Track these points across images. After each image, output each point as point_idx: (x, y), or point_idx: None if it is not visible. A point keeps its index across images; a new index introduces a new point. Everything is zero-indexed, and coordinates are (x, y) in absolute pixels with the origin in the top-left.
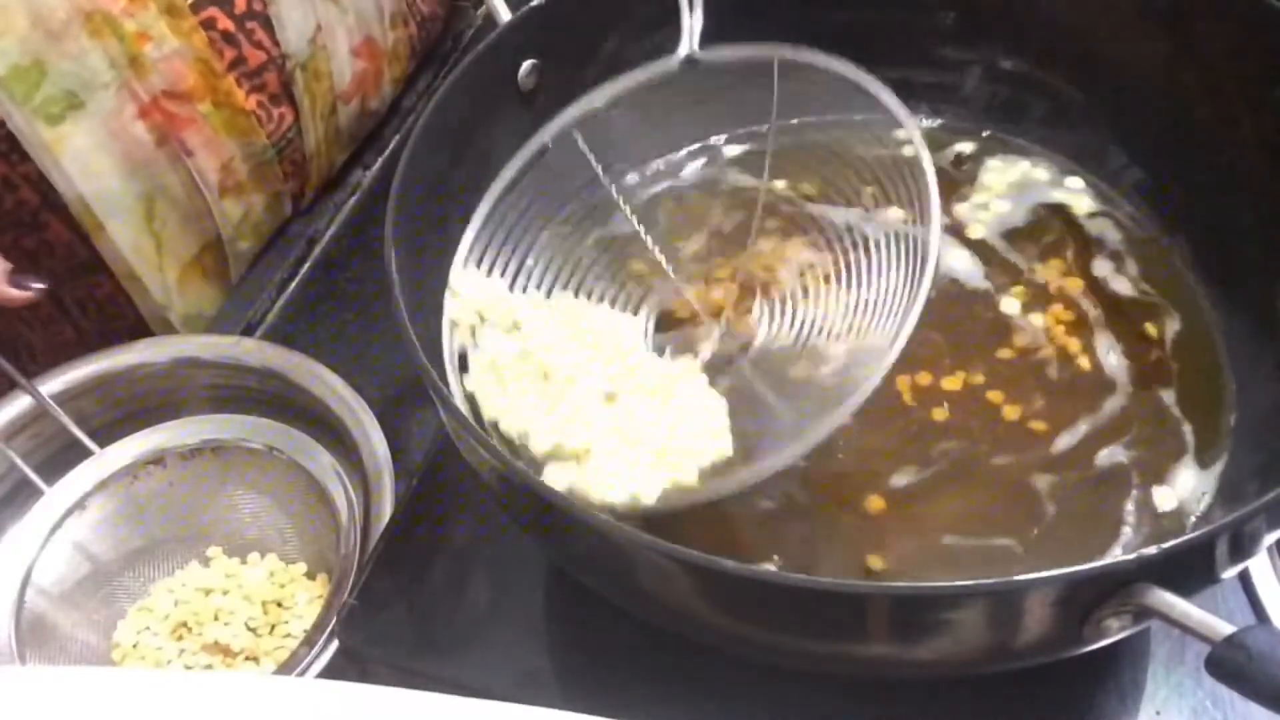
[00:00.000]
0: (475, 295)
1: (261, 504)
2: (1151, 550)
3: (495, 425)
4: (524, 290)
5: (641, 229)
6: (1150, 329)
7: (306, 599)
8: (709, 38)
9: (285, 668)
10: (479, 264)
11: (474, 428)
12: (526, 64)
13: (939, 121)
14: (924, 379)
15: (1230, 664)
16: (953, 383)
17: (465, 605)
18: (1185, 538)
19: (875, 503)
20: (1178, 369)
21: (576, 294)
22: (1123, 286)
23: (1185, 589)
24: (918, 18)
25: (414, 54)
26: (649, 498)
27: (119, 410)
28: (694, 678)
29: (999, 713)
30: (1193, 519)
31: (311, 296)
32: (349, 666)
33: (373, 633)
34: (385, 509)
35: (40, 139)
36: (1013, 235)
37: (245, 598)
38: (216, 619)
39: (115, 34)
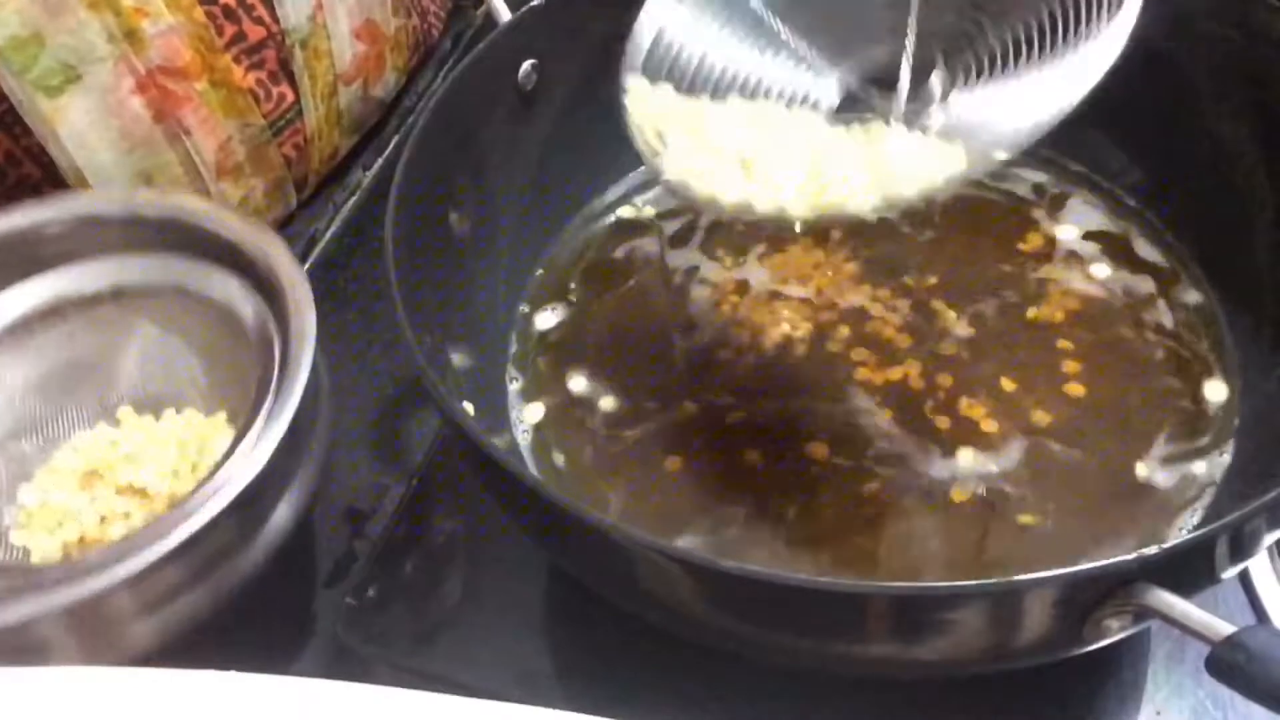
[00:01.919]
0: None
1: (174, 351)
2: (1151, 550)
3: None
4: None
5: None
6: (1148, 329)
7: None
8: None
9: (199, 492)
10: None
11: (473, 428)
12: (526, 64)
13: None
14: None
15: (1230, 664)
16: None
17: (465, 605)
18: (1185, 538)
19: None
20: (1176, 369)
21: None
22: (1122, 286)
23: (1185, 589)
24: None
25: (416, 46)
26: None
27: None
28: (694, 678)
29: (999, 713)
30: (1194, 519)
31: (312, 296)
32: (349, 666)
33: (373, 633)
34: (307, 341)
35: (40, 111)
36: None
37: (160, 443)
38: (130, 463)
39: (112, 8)
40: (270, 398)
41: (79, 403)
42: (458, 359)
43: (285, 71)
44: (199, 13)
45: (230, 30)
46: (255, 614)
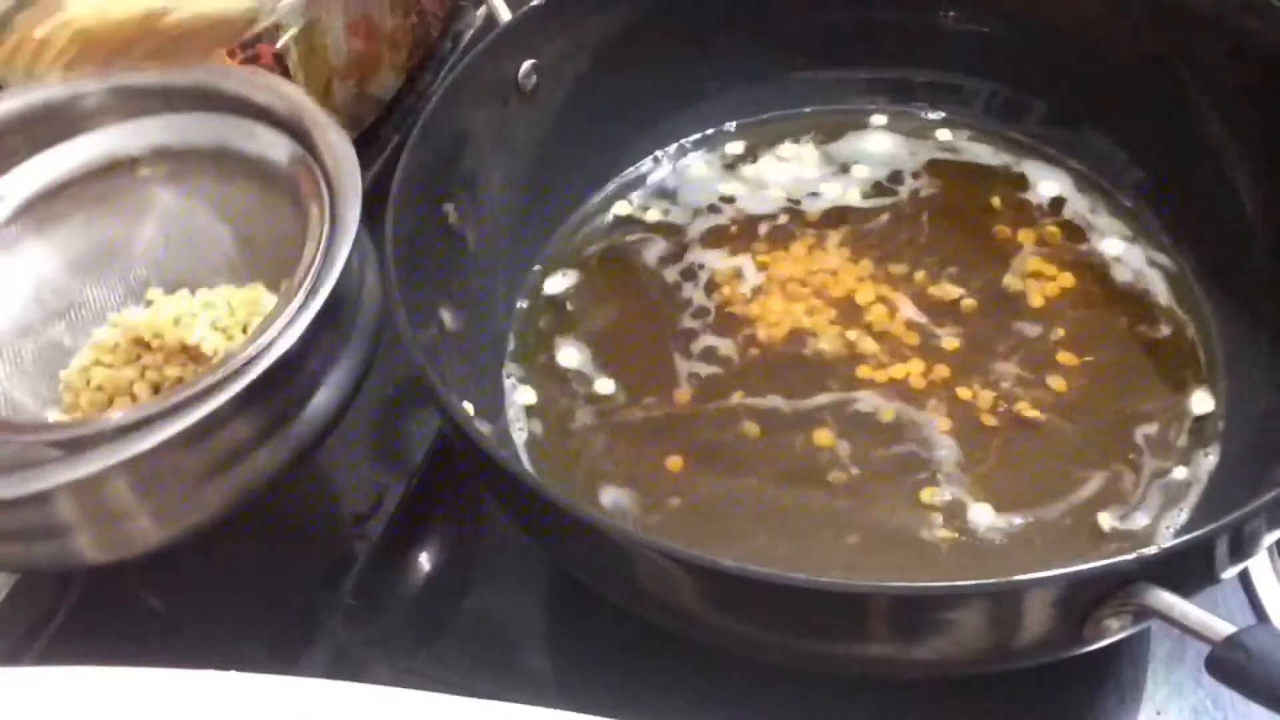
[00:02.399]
0: None
1: (216, 219)
2: (1151, 550)
3: None
4: None
5: None
6: (1147, 329)
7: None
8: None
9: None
10: None
11: (473, 428)
12: (526, 64)
13: (940, 115)
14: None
15: (1230, 664)
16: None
17: (465, 605)
18: (1185, 538)
19: None
20: (1175, 369)
21: None
22: (1121, 287)
23: (1185, 589)
24: (917, 17)
25: (415, 45)
26: None
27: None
28: (694, 678)
29: (999, 713)
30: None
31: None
32: (349, 666)
33: (373, 633)
34: (352, 196)
35: None
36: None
37: (210, 305)
38: (180, 327)
39: None
40: (320, 254)
41: (117, 277)
42: (458, 359)
43: (280, 66)
44: None
45: None
46: (255, 614)
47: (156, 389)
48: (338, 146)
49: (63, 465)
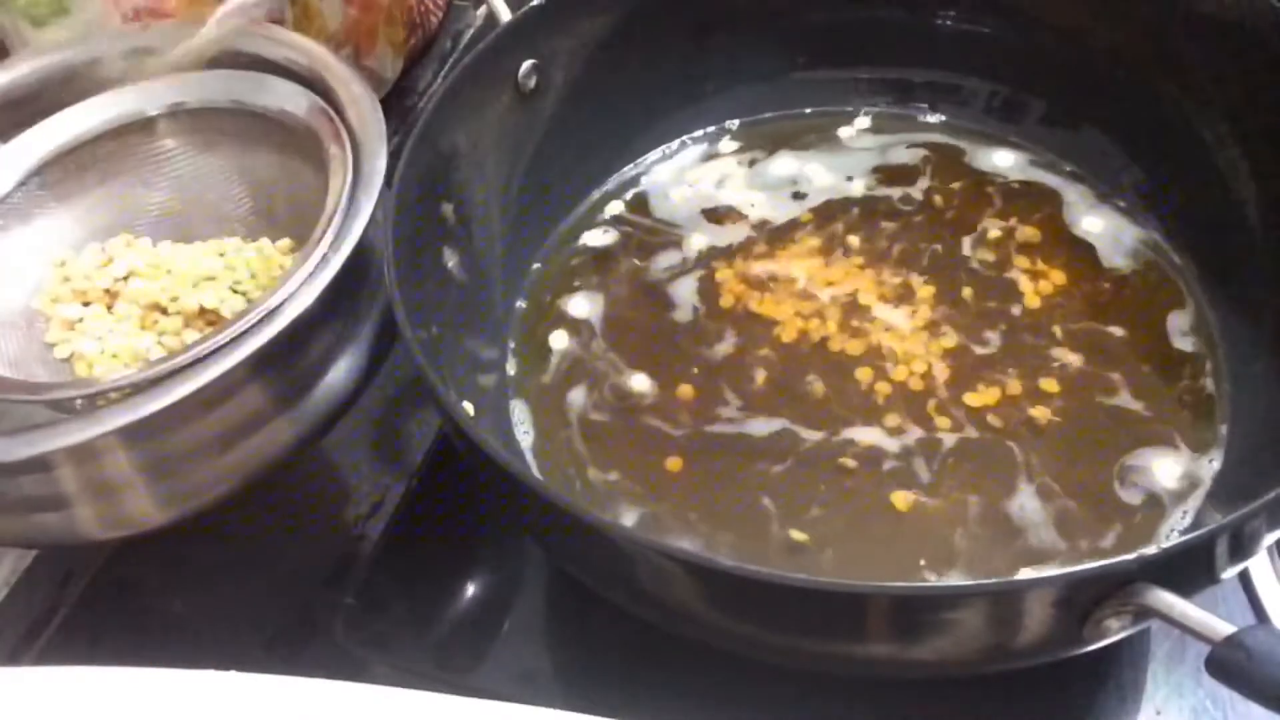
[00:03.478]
0: None
1: (235, 177)
2: (1151, 550)
3: None
4: None
5: None
6: (1147, 329)
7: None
8: None
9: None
10: None
11: (473, 428)
12: (526, 64)
13: (940, 118)
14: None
15: (1230, 664)
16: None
17: (465, 605)
18: (1185, 538)
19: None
20: (1171, 368)
21: None
22: (1121, 287)
23: (1185, 589)
24: (917, 17)
25: (414, 26)
26: None
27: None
28: (694, 678)
29: (999, 713)
30: (1185, 521)
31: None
32: (349, 666)
33: (373, 633)
34: (378, 152)
35: (23, 39)
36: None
37: (228, 267)
38: (197, 290)
39: None
40: (342, 206)
41: (136, 238)
42: (458, 358)
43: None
44: None
45: None
46: (255, 614)
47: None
48: (362, 99)
49: (62, 429)
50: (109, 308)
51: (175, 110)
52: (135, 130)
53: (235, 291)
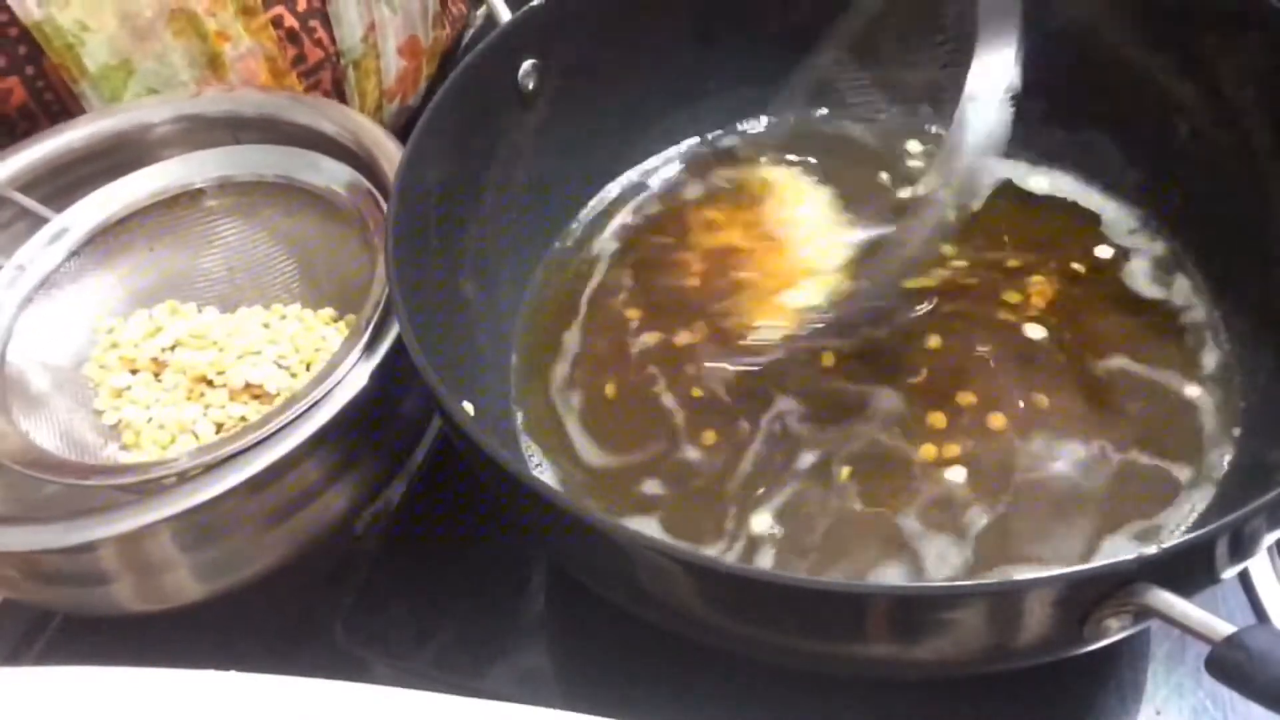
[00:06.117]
0: None
1: (279, 248)
2: (1151, 550)
3: None
4: None
5: None
6: (1150, 330)
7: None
8: None
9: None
10: None
11: (473, 428)
12: (526, 64)
13: (940, 116)
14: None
15: (1230, 664)
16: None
17: (465, 605)
18: (1185, 538)
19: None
20: (1174, 369)
21: None
22: (1121, 288)
23: (1185, 589)
24: (916, 17)
25: (445, 55)
26: None
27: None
28: (694, 678)
29: (999, 713)
30: (1191, 519)
31: None
32: (349, 666)
33: (373, 633)
34: None
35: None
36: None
37: (272, 340)
38: (243, 364)
39: (198, 33)
40: (385, 290)
41: (182, 303)
42: (458, 358)
43: (338, 91)
44: (270, 34)
45: (292, 52)
46: (255, 613)
47: (219, 428)
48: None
49: (115, 516)
50: (156, 375)
51: (224, 183)
52: (183, 201)
53: (280, 366)
